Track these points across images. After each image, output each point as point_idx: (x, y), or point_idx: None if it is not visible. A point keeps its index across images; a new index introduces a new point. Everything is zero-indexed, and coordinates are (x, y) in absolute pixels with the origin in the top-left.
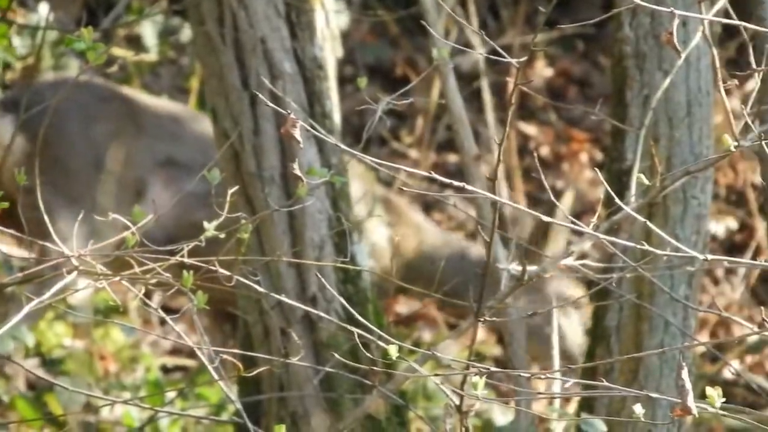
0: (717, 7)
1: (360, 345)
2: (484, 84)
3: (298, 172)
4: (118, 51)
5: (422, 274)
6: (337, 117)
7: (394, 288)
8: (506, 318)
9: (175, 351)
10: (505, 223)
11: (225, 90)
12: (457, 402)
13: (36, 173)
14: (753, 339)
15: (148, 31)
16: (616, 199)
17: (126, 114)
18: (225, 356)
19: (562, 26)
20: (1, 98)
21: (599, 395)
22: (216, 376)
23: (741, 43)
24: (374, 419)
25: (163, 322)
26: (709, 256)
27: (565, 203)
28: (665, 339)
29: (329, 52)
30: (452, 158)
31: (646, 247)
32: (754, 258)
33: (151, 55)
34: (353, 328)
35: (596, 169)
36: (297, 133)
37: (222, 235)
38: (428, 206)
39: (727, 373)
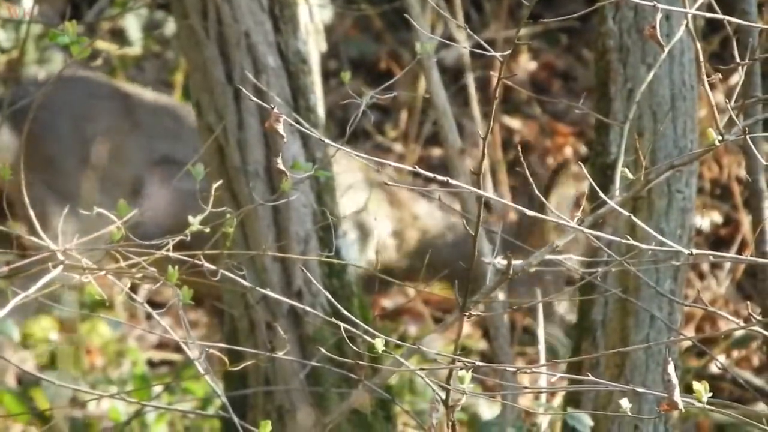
0: (700, 0)
1: (346, 339)
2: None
3: (282, 166)
4: (102, 45)
5: (429, 262)
6: (321, 111)
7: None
8: (492, 312)
9: (162, 345)
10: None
11: (209, 84)
12: (443, 396)
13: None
14: (739, 333)
15: (132, 24)
16: (601, 193)
17: (121, 111)
18: (211, 351)
19: (546, 20)
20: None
21: (585, 389)
22: (202, 371)
23: (725, 36)
24: (360, 413)
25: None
26: (695, 251)
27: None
28: (651, 333)
29: (313, 46)
30: (437, 152)
31: (631, 241)
32: (739, 252)
33: (135, 49)
34: (339, 323)
35: (580, 163)
36: (281, 128)
37: (207, 230)
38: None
39: (714, 368)
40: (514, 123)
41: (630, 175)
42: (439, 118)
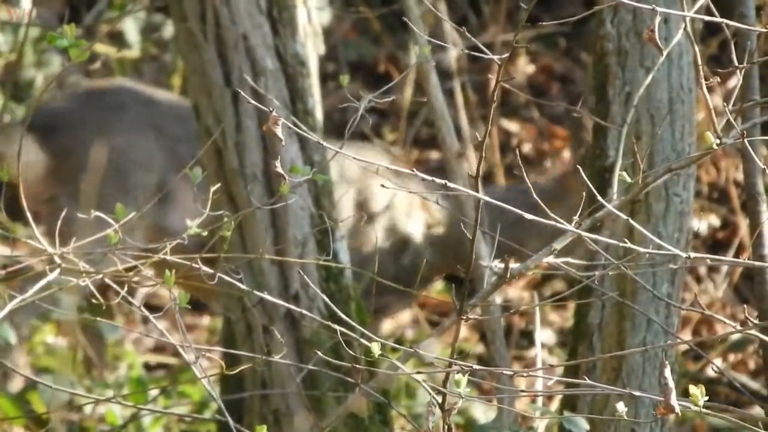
0: (699, 4)
1: (343, 343)
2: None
3: (280, 169)
4: (101, 48)
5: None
6: (319, 114)
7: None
8: (489, 316)
9: (158, 349)
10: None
11: (207, 87)
12: (440, 400)
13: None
14: (736, 337)
15: (131, 27)
16: (599, 197)
17: (145, 120)
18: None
19: (544, 23)
20: (28, 119)
21: (582, 393)
22: (199, 374)
23: (723, 40)
24: (357, 417)
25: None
26: (692, 254)
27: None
28: (648, 337)
29: (311, 48)
30: (434, 155)
31: (629, 244)
32: (736, 256)
33: (134, 52)
34: (336, 326)
35: (578, 166)
36: (279, 131)
37: (205, 233)
38: None
39: (710, 372)
40: (512, 126)
41: (628, 179)
42: (437, 121)
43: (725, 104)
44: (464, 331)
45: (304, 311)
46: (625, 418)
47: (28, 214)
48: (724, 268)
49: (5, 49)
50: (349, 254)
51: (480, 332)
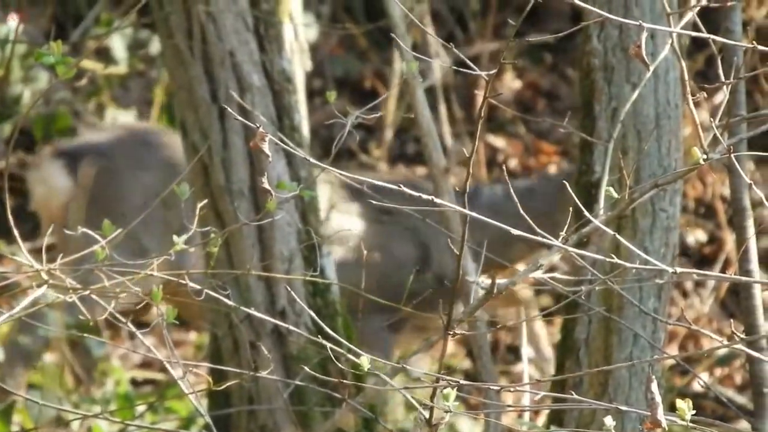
0: (685, 19)
1: (330, 358)
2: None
3: (267, 185)
4: (88, 64)
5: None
6: (305, 130)
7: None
8: (475, 331)
9: (145, 364)
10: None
11: (194, 103)
12: (427, 415)
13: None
14: (722, 352)
15: (118, 44)
16: (585, 212)
17: (169, 160)
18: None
19: (531, 39)
20: (57, 145)
21: (569, 408)
22: (186, 390)
23: (709, 55)
24: None
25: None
26: (678, 269)
27: None
28: (634, 352)
29: (298, 65)
30: (421, 171)
31: (615, 259)
32: (723, 270)
33: (121, 68)
34: (323, 341)
35: (565, 181)
36: (266, 147)
37: (192, 249)
38: None
39: (697, 386)
40: (499, 142)
41: (614, 194)
42: (423, 137)
43: (712, 119)
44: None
45: (291, 327)
46: None
47: (15, 231)
48: (711, 283)
49: None
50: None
51: (467, 347)
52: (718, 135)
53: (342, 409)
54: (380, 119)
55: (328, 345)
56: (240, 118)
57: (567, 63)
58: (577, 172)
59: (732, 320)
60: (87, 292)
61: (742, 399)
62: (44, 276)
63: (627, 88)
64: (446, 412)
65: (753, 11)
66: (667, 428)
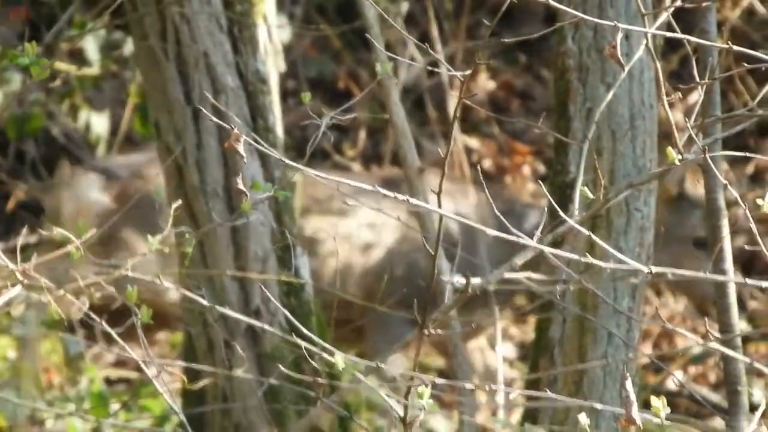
0: (660, 20)
1: (304, 357)
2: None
3: (241, 186)
4: (61, 65)
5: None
6: (279, 131)
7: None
8: (450, 330)
9: (119, 363)
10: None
11: (168, 104)
12: (402, 413)
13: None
14: (697, 350)
15: (91, 45)
16: (560, 212)
17: None
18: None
19: (505, 39)
20: (92, 163)
21: (543, 406)
22: (160, 388)
23: (684, 55)
24: (319, 431)
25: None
26: (653, 268)
27: None
28: (609, 350)
29: (272, 66)
30: (396, 171)
31: (590, 259)
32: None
33: (94, 70)
34: (297, 340)
35: (539, 181)
36: (240, 148)
37: (167, 250)
38: None
39: (671, 384)
40: (473, 142)
41: (589, 194)
42: (397, 138)
43: (687, 120)
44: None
45: (266, 326)
46: (587, 430)
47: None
48: None
49: None
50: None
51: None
52: (693, 135)
53: (316, 407)
54: (354, 120)
55: (303, 344)
56: (214, 119)
57: (541, 64)
58: (552, 173)
59: (706, 319)
60: (61, 292)
61: (716, 397)
62: (19, 276)
63: (602, 88)
64: (421, 410)
65: (728, 12)
66: (641, 426)
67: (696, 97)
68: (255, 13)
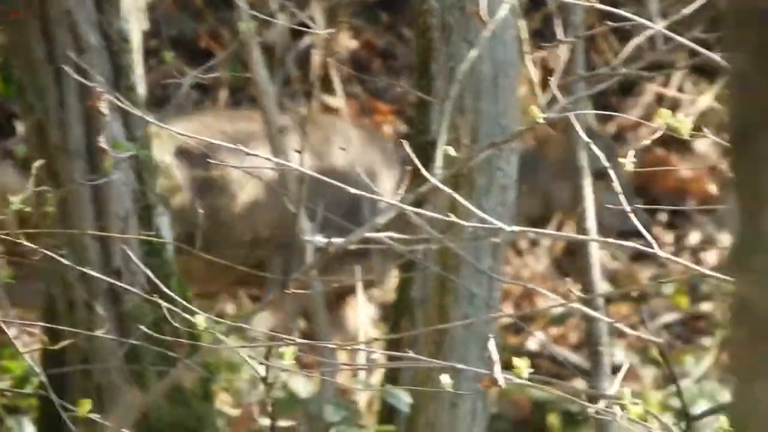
0: None
1: (165, 317)
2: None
3: (104, 145)
4: None
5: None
6: (141, 90)
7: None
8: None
9: None
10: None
11: (30, 63)
12: (263, 374)
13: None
14: (557, 311)
15: None
16: (423, 171)
17: None
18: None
19: None
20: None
21: (404, 366)
22: (21, 349)
23: (547, 13)
24: (179, 391)
25: None
26: (515, 228)
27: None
28: (470, 311)
29: (135, 24)
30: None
31: (452, 218)
32: (557, 230)
33: None
34: (158, 301)
35: (401, 140)
36: (103, 107)
37: (28, 209)
38: None
39: (532, 345)
40: (335, 101)
41: (452, 153)
42: (259, 97)
43: (549, 79)
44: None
45: (126, 286)
46: (449, 390)
47: None
48: (546, 242)
49: None
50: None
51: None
52: (556, 94)
53: (177, 368)
54: (216, 79)
55: (163, 304)
56: (77, 77)
57: (403, 22)
58: (414, 132)
59: (567, 279)
60: None
61: (577, 358)
62: None
63: (464, 47)
64: (282, 370)
65: None
66: (504, 386)
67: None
68: None
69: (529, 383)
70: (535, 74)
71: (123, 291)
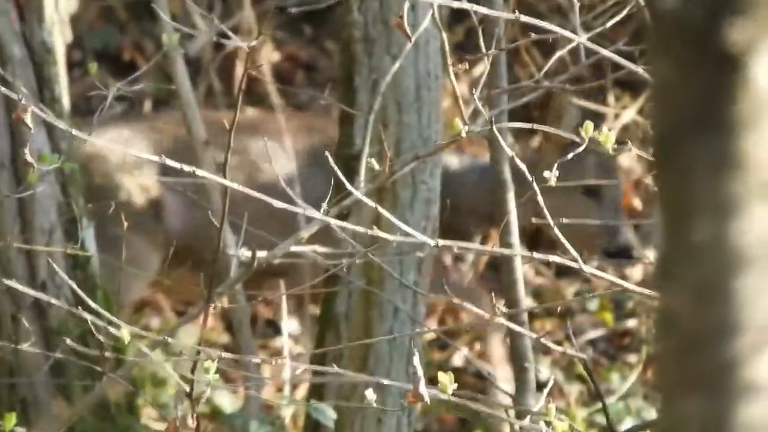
0: None
1: (90, 331)
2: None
3: (29, 157)
4: None
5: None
6: (66, 102)
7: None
8: (235, 304)
9: None
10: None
11: None
12: (188, 389)
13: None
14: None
15: None
16: (346, 184)
17: None
18: None
19: (291, 10)
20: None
21: (329, 381)
22: None
23: (470, 26)
24: (104, 406)
25: None
26: (439, 242)
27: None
28: (395, 325)
29: (58, 36)
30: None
31: (376, 232)
32: (482, 244)
33: None
34: (83, 314)
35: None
36: (28, 119)
37: None
38: None
39: (457, 360)
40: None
41: (376, 166)
42: (183, 110)
43: (473, 91)
44: (211, 320)
45: (52, 299)
46: (374, 405)
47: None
48: (470, 257)
49: None
50: None
51: (226, 321)
52: (479, 107)
53: (102, 382)
54: (140, 91)
55: (89, 317)
56: (2, 88)
57: (327, 35)
58: (337, 145)
59: (492, 294)
60: None
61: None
62: None
63: (387, 59)
64: (207, 385)
65: None
66: (428, 402)
67: (482, 68)
68: None
69: (455, 398)
70: (458, 87)
71: (48, 305)
